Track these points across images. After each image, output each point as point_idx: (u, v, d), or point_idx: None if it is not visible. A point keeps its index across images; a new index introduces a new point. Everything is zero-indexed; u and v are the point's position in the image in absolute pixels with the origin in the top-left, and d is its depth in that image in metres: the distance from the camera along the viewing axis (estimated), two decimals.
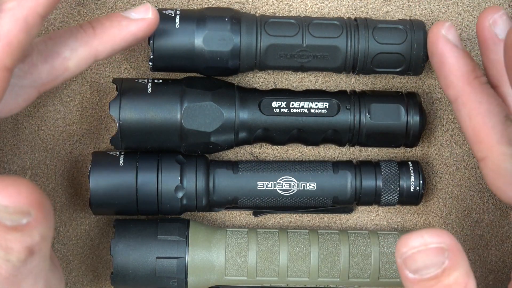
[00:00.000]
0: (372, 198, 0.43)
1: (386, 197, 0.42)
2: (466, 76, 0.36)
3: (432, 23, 0.45)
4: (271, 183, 0.42)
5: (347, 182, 0.42)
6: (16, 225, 0.30)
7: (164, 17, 0.40)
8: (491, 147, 0.36)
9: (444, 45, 0.37)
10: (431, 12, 0.45)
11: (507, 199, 0.37)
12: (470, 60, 0.37)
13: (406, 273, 0.32)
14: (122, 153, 0.42)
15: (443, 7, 0.45)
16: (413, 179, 0.42)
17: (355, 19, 0.42)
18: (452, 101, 0.37)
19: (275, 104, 0.41)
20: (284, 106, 0.41)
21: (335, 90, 0.44)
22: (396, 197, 0.42)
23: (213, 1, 0.44)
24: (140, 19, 0.38)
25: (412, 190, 0.42)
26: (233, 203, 0.42)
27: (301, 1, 0.44)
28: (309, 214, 0.45)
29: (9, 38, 0.33)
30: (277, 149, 0.45)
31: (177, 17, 0.40)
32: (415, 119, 0.42)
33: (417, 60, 0.41)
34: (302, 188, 0.42)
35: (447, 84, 0.37)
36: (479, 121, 0.36)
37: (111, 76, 0.44)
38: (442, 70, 0.37)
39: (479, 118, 0.36)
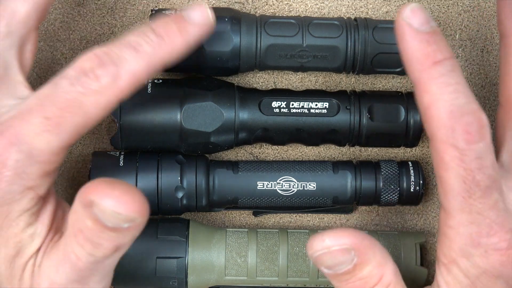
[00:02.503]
0: (372, 198, 0.43)
1: (386, 197, 0.42)
2: (421, 62, 0.33)
3: None
4: (271, 183, 0.42)
5: (347, 182, 0.42)
6: (116, 227, 0.31)
7: None
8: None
9: (402, 31, 0.34)
10: (431, 12, 0.45)
11: None
12: (429, 44, 0.33)
13: (323, 270, 0.35)
14: (122, 153, 0.42)
15: (443, 7, 0.45)
16: (413, 179, 0.42)
17: (355, 19, 0.42)
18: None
19: (275, 104, 0.41)
20: (284, 106, 0.41)
21: (335, 90, 0.44)
22: (396, 197, 0.42)
23: (213, 1, 0.44)
24: (203, 23, 0.35)
25: (412, 190, 0.42)
26: (233, 203, 0.42)
27: (301, 1, 0.44)
28: (309, 214, 0.45)
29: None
30: (277, 149, 0.45)
31: None
32: (415, 119, 0.42)
33: None
34: (302, 188, 0.42)
35: (407, 70, 0.35)
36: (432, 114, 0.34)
37: None
38: (402, 56, 0.35)
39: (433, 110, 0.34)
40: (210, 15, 0.35)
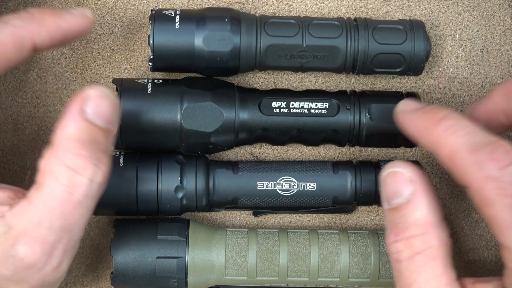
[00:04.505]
0: (372, 198, 0.43)
1: None
2: (427, 127, 0.36)
3: (432, 23, 0.45)
4: (271, 183, 0.42)
5: (347, 182, 0.42)
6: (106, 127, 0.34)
7: (164, 17, 0.40)
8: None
9: (403, 119, 0.38)
10: (431, 12, 0.45)
11: None
12: (426, 112, 0.37)
13: (383, 204, 0.35)
14: (122, 153, 0.42)
15: (443, 7, 0.45)
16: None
17: (355, 19, 0.42)
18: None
19: (275, 104, 0.41)
20: (284, 106, 0.41)
21: (335, 90, 0.44)
22: None
23: (213, 1, 0.44)
24: (80, 15, 0.38)
25: None
26: (233, 203, 0.42)
27: (301, 1, 0.44)
28: (309, 214, 0.45)
29: (1, 47, 0.35)
30: (277, 149, 0.45)
31: (177, 17, 0.40)
32: None
33: (417, 60, 0.41)
34: (302, 188, 0.42)
35: (421, 145, 0.37)
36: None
37: (111, 76, 0.44)
38: (413, 138, 0.38)
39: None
40: (89, 13, 0.39)
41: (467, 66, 0.45)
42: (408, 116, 0.37)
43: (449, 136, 0.34)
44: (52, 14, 0.37)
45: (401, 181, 0.35)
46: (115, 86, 0.41)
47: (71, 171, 0.33)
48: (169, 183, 0.41)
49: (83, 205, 0.33)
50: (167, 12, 0.40)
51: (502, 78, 0.45)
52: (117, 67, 0.44)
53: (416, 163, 0.43)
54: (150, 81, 0.41)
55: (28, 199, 0.33)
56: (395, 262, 0.34)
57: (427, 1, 0.45)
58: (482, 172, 0.32)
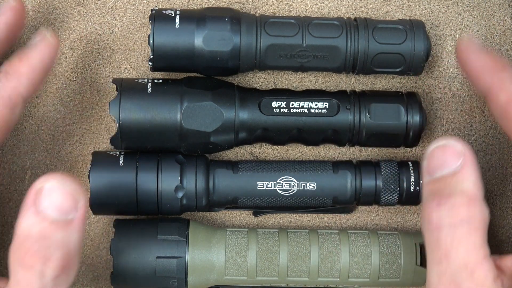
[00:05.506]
0: (372, 198, 0.43)
1: (386, 197, 0.42)
2: (491, 70, 0.38)
3: (432, 23, 0.45)
4: (271, 183, 0.42)
5: (347, 182, 0.42)
6: (63, 220, 0.33)
7: (164, 17, 0.40)
8: None
9: (467, 52, 0.39)
10: (431, 12, 0.45)
11: None
12: (492, 55, 0.38)
13: (424, 178, 0.35)
14: (122, 153, 0.42)
15: (443, 7, 0.45)
16: (413, 179, 0.42)
17: (355, 19, 0.42)
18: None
19: (275, 104, 0.41)
20: (284, 106, 0.41)
21: (335, 90, 0.44)
22: (396, 197, 0.42)
23: (213, 1, 0.44)
24: (42, 44, 0.38)
25: (412, 190, 0.42)
26: (233, 203, 0.42)
27: (301, 1, 0.44)
28: (309, 214, 0.45)
29: None
30: (277, 149, 0.45)
31: (177, 17, 0.40)
32: (415, 119, 0.42)
33: (417, 60, 0.41)
34: (302, 188, 0.42)
35: (476, 84, 0.39)
36: None
37: (111, 76, 0.44)
38: (470, 74, 0.39)
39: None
40: (48, 35, 0.39)
41: None
42: (474, 53, 0.38)
43: (510, 82, 0.35)
44: (21, 60, 0.38)
45: (450, 153, 0.35)
46: (115, 86, 0.41)
47: (23, 268, 0.32)
48: (169, 183, 0.41)
49: None
50: (167, 12, 0.40)
51: None
52: (117, 67, 0.44)
53: (416, 163, 0.43)
54: (150, 81, 0.41)
55: None
56: (434, 229, 0.34)
57: (427, 1, 0.45)
58: None
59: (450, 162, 0.35)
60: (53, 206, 0.32)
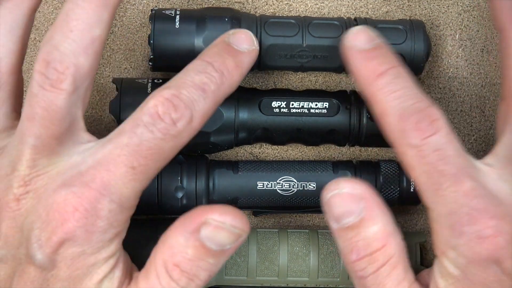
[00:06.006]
0: None
1: (386, 197, 0.42)
2: (367, 77, 0.36)
3: (432, 23, 0.45)
4: (271, 183, 0.42)
5: None
6: (220, 250, 0.34)
7: (164, 17, 0.40)
8: None
9: (348, 54, 0.37)
10: (431, 12, 0.45)
11: None
12: (371, 59, 0.36)
13: (331, 224, 0.35)
14: None
15: (443, 7, 0.45)
16: (413, 179, 0.42)
17: (355, 19, 0.42)
18: None
19: (275, 104, 0.41)
20: (284, 106, 0.41)
21: (335, 90, 0.44)
22: (396, 197, 0.42)
23: (213, 1, 0.44)
24: (252, 51, 0.37)
25: (412, 190, 0.42)
26: (233, 203, 0.42)
27: (301, 1, 0.44)
28: (309, 214, 0.45)
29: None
30: (277, 149, 0.45)
31: (177, 17, 0.40)
32: None
33: (417, 60, 0.41)
34: (302, 188, 0.42)
35: (359, 90, 0.38)
36: None
37: (111, 76, 0.44)
38: (353, 78, 0.38)
39: None
40: (255, 41, 0.37)
41: (467, 66, 0.45)
42: (353, 55, 0.36)
43: (383, 95, 0.35)
44: (236, 65, 0.36)
45: (350, 200, 0.34)
46: (115, 86, 0.41)
47: (170, 278, 0.34)
48: (169, 183, 0.41)
49: None
50: (167, 12, 0.40)
51: None
52: (117, 67, 0.44)
53: None
54: (150, 81, 0.41)
55: (136, 284, 0.35)
56: (359, 279, 0.35)
57: (427, 1, 0.45)
58: (405, 140, 0.34)
59: (352, 209, 0.34)
60: (215, 241, 0.33)
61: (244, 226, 0.34)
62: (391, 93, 0.34)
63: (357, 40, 0.36)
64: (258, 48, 0.38)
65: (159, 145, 0.33)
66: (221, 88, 0.35)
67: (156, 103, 0.33)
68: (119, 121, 0.40)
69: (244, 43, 0.37)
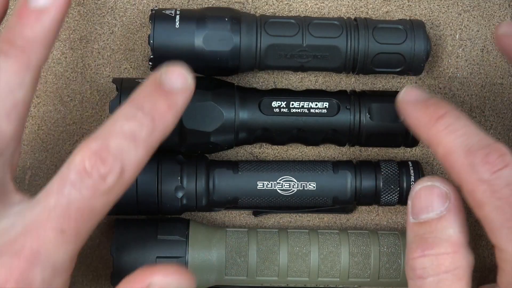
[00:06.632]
0: (372, 198, 0.43)
1: (386, 197, 0.42)
2: (427, 123, 0.36)
3: (432, 23, 0.45)
4: (271, 183, 0.42)
5: (347, 182, 0.42)
6: None
7: (164, 17, 0.40)
8: None
9: (404, 108, 0.37)
10: (431, 12, 0.45)
11: None
12: (428, 107, 0.36)
13: (409, 219, 0.34)
14: None
15: (443, 7, 0.45)
16: (413, 179, 0.42)
17: (355, 19, 0.42)
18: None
19: (275, 104, 0.41)
20: (284, 106, 0.41)
21: (335, 90, 0.44)
22: (396, 197, 0.42)
23: (213, 1, 0.44)
24: (186, 89, 0.34)
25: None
26: (233, 203, 0.42)
27: (301, 1, 0.45)
28: (309, 214, 0.45)
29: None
30: (277, 149, 0.45)
31: (177, 17, 0.40)
32: None
33: (417, 60, 0.41)
34: (302, 188, 0.42)
35: (420, 138, 0.38)
36: None
37: (111, 76, 0.44)
38: (413, 130, 0.37)
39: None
40: (189, 77, 0.34)
41: (467, 66, 0.45)
42: (409, 107, 0.37)
43: (446, 135, 0.34)
44: (169, 108, 0.33)
45: (436, 196, 0.34)
46: (115, 86, 0.41)
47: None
48: (169, 182, 0.41)
49: None
50: (167, 12, 0.40)
51: (502, 78, 0.45)
52: (117, 67, 0.44)
53: (416, 163, 0.43)
54: None
55: None
56: (417, 278, 0.33)
57: (427, 1, 0.45)
58: (474, 175, 0.32)
59: (435, 205, 0.34)
60: None
61: (190, 284, 0.32)
62: (454, 132, 0.34)
63: (412, 95, 0.37)
64: (193, 85, 0.34)
65: (89, 204, 0.31)
66: (154, 134, 0.32)
67: (82, 158, 0.31)
68: None
69: (177, 81, 0.33)
